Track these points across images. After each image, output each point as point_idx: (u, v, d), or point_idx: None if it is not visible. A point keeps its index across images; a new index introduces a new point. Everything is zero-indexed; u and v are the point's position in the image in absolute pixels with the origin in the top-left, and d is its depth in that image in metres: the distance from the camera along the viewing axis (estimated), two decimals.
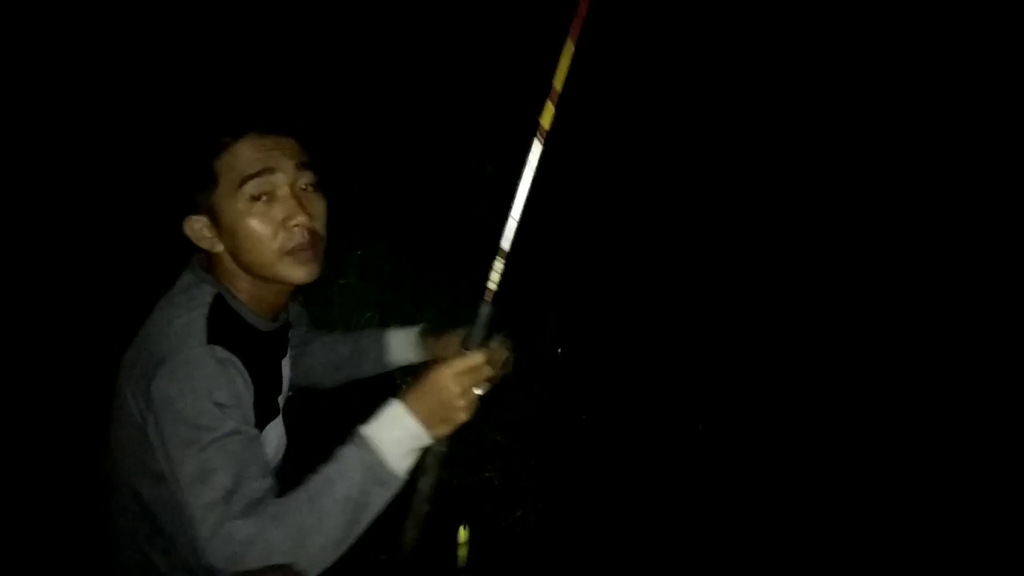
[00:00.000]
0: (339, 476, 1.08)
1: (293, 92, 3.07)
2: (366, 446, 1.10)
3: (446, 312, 2.57)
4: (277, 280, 1.21)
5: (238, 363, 1.13)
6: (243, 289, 1.23)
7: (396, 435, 1.12)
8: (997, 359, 2.71)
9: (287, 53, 3.30)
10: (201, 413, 1.07)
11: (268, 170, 1.16)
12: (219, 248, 1.20)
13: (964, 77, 3.33)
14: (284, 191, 1.18)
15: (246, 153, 1.16)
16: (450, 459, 2.21)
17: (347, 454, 1.10)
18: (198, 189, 1.17)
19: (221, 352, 1.11)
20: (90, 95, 3.07)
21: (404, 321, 2.58)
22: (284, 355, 1.37)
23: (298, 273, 1.19)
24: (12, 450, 2.07)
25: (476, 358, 1.15)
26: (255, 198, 1.16)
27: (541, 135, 1.19)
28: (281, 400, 1.34)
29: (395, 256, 2.82)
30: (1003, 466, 2.42)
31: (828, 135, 3.36)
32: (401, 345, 1.58)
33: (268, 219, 1.17)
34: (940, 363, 2.70)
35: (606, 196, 3.22)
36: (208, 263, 1.25)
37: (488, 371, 1.17)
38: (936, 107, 3.32)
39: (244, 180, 1.15)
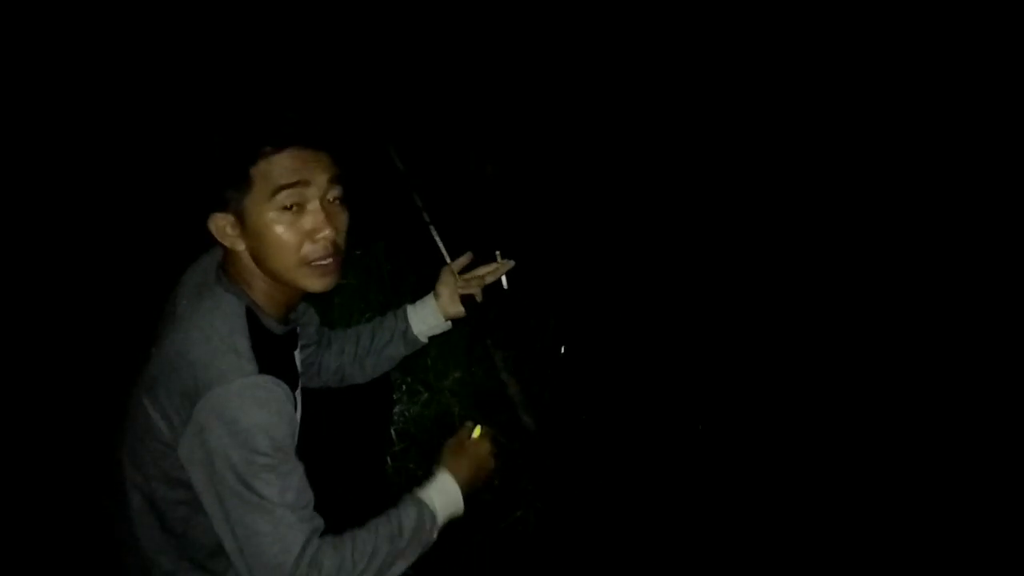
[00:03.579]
0: (401, 528, 1.23)
1: (320, 97, 3.07)
2: (428, 512, 1.28)
3: None
4: (294, 286, 1.26)
5: (286, 388, 1.18)
6: (260, 290, 1.27)
7: (445, 503, 1.32)
8: (997, 359, 2.71)
9: (286, 50, 3.30)
10: (260, 443, 1.12)
11: (303, 183, 1.20)
12: (240, 247, 1.23)
13: (964, 77, 3.33)
14: (314, 204, 1.22)
15: (285, 163, 1.19)
16: None
17: (409, 511, 1.26)
18: (230, 190, 1.19)
19: (273, 381, 1.16)
20: (99, 92, 3.07)
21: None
22: (296, 348, 1.41)
23: (317, 284, 1.26)
24: (13, 450, 2.07)
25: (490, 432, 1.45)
26: (286, 208, 1.20)
27: None
28: (297, 394, 1.37)
29: (395, 256, 2.82)
30: (1003, 466, 2.42)
31: (828, 134, 3.36)
32: (422, 316, 1.62)
33: (295, 229, 1.21)
34: (940, 363, 2.70)
35: (605, 196, 3.22)
36: (226, 262, 1.28)
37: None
38: (936, 107, 3.33)
39: (279, 189, 1.18)
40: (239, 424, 1.12)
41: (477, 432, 1.44)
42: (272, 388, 1.16)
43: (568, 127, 3.37)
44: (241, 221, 1.21)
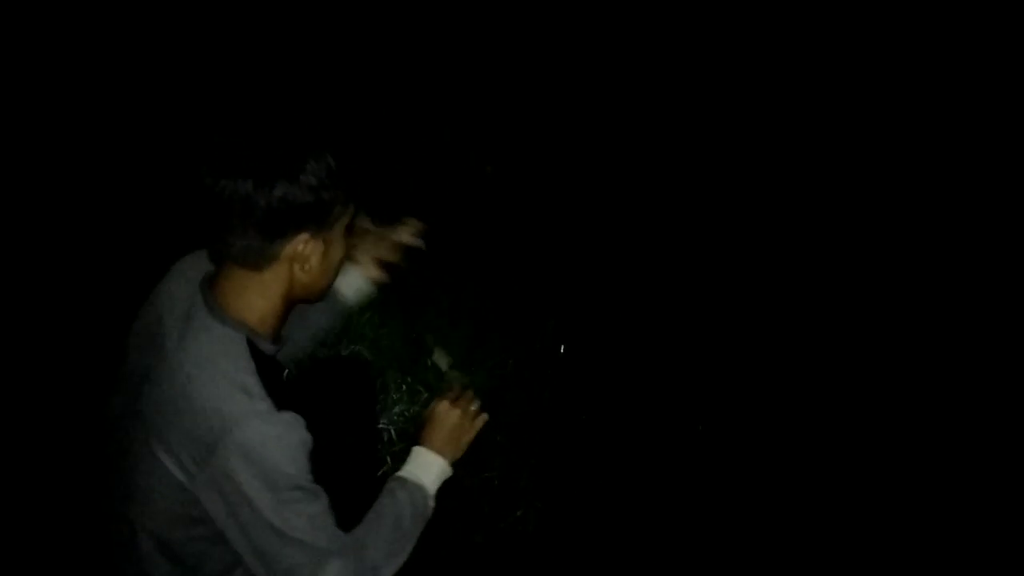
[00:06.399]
0: (400, 513, 1.28)
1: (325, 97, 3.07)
2: (416, 489, 1.33)
3: (445, 312, 2.57)
4: (309, 301, 1.32)
5: (302, 420, 1.18)
6: (268, 313, 1.23)
7: (430, 474, 1.37)
8: (997, 359, 2.71)
9: (284, 50, 3.30)
10: (287, 480, 1.13)
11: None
12: (309, 268, 1.22)
13: (964, 77, 3.33)
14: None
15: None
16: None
17: (398, 499, 1.30)
18: (338, 215, 1.21)
19: (291, 416, 1.16)
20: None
21: (404, 322, 2.58)
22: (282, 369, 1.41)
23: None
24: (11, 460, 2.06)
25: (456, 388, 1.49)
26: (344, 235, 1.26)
27: None
28: None
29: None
30: (1003, 466, 2.42)
31: (828, 134, 3.36)
32: (345, 281, 1.61)
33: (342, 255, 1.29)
34: (940, 363, 2.70)
35: (605, 196, 3.22)
36: (230, 287, 1.21)
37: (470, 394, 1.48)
38: (936, 107, 3.33)
39: (353, 216, 1.26)
40: (264, 465, 1.11)
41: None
42: (290, 423, 1.15)
43: (567, 127, 3.37)
44: (324, 245, 1.21)
